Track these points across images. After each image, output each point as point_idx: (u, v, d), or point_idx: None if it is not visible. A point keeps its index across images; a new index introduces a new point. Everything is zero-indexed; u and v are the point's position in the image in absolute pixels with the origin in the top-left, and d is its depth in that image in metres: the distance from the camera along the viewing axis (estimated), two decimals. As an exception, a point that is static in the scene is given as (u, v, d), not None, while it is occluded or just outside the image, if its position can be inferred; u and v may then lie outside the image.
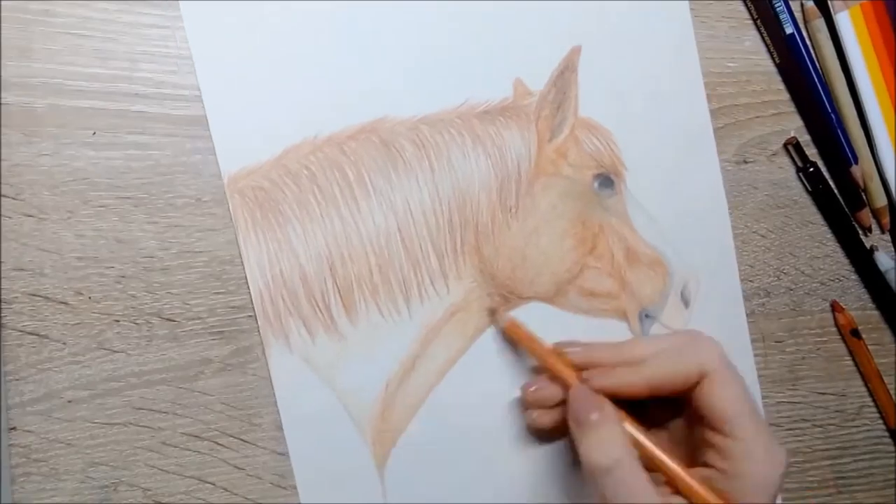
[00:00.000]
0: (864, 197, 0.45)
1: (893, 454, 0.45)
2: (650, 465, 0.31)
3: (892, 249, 0.45)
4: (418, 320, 0.37)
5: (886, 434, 0.45)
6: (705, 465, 0.32)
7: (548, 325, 0.39)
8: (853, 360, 0.44)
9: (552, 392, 0.35)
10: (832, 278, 0.45)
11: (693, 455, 0.33)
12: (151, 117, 0.35)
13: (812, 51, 0.44)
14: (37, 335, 0.33)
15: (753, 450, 0.30)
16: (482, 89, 0.39)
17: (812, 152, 0.45)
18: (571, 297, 0.39)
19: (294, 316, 0.36)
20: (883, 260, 0.44)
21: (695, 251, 0.42)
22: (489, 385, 0.38)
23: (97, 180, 0.34)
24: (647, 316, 0.41)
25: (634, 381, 0.33)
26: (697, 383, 0.32)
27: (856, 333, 0.44)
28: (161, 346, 0.34)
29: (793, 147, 0.44)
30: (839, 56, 0.44)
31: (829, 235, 0.45)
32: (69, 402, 0.33)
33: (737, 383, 0.32)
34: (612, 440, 0.30)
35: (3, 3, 0.33)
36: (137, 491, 0.34)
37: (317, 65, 0.37)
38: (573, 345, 0.36)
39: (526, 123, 0.39)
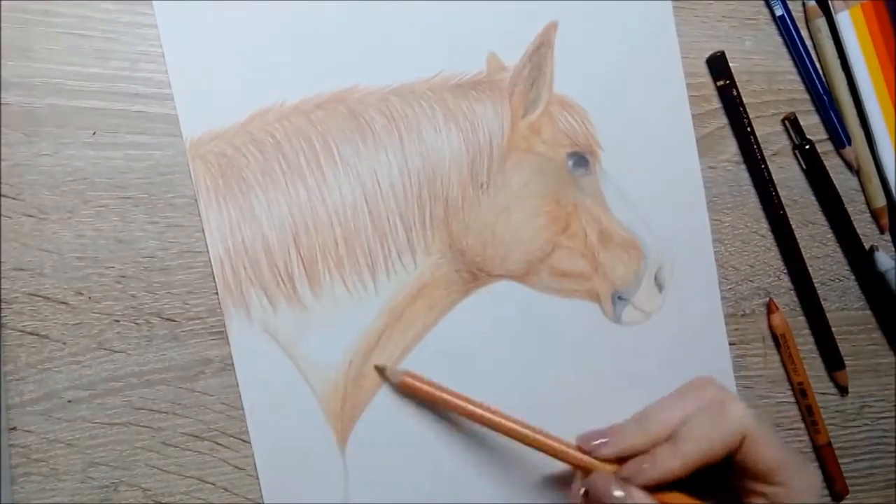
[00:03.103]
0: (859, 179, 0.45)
1: (893, 454, 0.45)
2: None
3: (892, 249, 0.45)
4: (384, 295, 0.37)
5: (887, 434, 0.45)
6: None
7: (519, 305, 0.38)
8: (784, 367, 0.43)
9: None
10: (832, 278, 0.45)
11: (738, 500, 0.36)
12: (151, 117, 0.35)
13: (812, 50, 0.44)
14: (37, 335, 0.33)
15: (799, 488, 0.34)
16: (455, 62, 0.38)
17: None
18: (543, 277, 0.39)
19: (255, 286, 0.35)
20: (882, 260, 0.44)
21: (670, 235, 0.41)
22: (454, 363, 0.37)
23: (97, 180, 0.34)
24: (619, 298, 0.40)
25: (675, 465, 0.34)
26: (739, 447, 0.34)
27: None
28: (161, 346, 0.34)
29: (790, 122, 0.44)
30: (840, 56, 0.44)
31: (830, 235, 0.45)
32: (69, 402, 0.33)
33: (775, 436, 0.34)
34: None
35: (3, 3, 0.33)
36: (137, 491, 0.34)
37: (286, 28, 0.36)
38: (596, 436, 0.36)
39: (499, 98, 0.39)
